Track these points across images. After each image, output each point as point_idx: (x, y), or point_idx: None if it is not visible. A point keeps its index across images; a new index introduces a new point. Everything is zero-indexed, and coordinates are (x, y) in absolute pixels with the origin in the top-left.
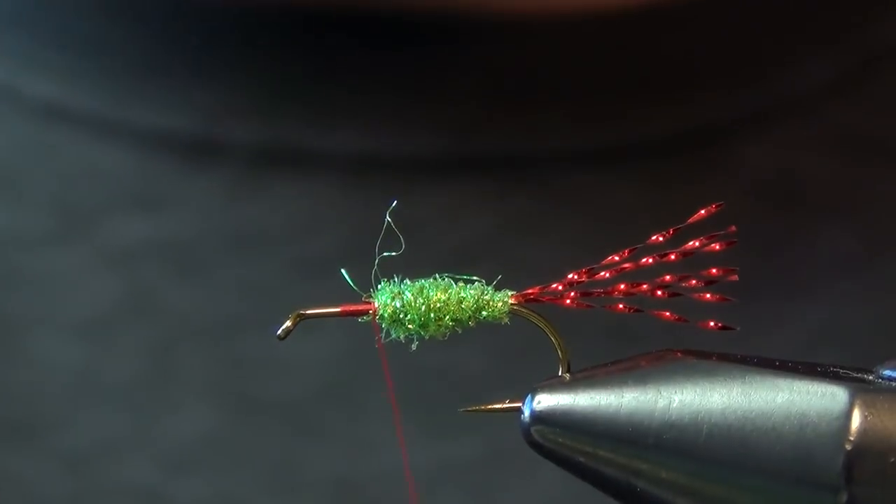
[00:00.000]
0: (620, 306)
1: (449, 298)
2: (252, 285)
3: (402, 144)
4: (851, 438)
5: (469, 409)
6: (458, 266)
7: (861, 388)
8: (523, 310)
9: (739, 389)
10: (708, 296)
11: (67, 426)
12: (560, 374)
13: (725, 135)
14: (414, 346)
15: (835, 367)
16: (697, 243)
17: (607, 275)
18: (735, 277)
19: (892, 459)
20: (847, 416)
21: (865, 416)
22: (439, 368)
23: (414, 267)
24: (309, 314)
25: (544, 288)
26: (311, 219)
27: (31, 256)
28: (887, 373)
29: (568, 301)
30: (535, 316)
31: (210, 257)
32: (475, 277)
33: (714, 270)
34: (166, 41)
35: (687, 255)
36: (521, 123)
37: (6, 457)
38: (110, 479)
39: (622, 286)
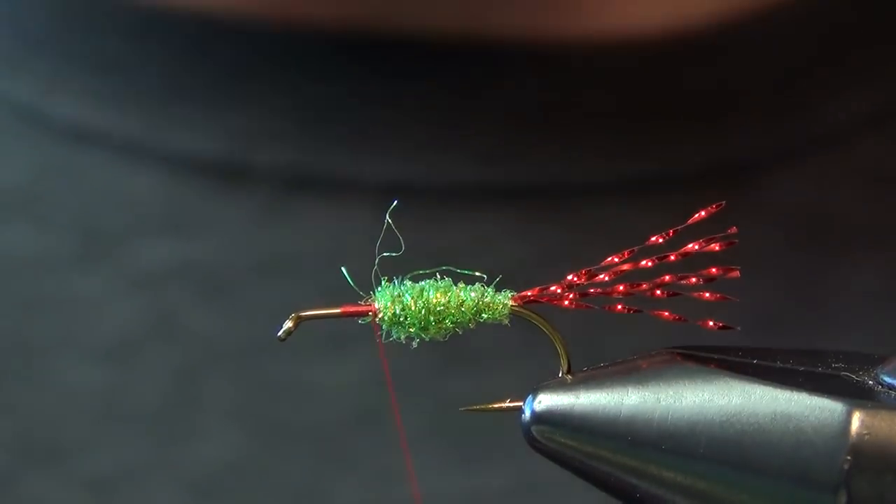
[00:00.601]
0: (620, 307)
1: (449, 301)
2: (279, 311)
3: (434, 172)
4: (849, 457)
5: (470, 408)
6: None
7: (859, 403)
8: (524, 311)
9: (738, 401)
10: (707, 295)
11: (91, 451)
12: (561, 374)
13: (757, 168)
14: (415, 345)
15: (837, 362)
16: (697, 246)
17: (606, 277)
18: (736, 274)
19: (890, 478)
20: (845, 433)
21: (863, 435)
22: (470, 396)
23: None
24: (309, 315)
25: (544, 289)
26: (340, 245)
27: (57, 279)
28: (888, 379)
29: (567, 302)
30: (536, 317)
31: (237, 283)
32: (477, 273)
33: (714, 270)
34: (196, 64)
35: (686, 255)
36: (553, 153)
37: (31, 481)
38: None
39: (621, 287)
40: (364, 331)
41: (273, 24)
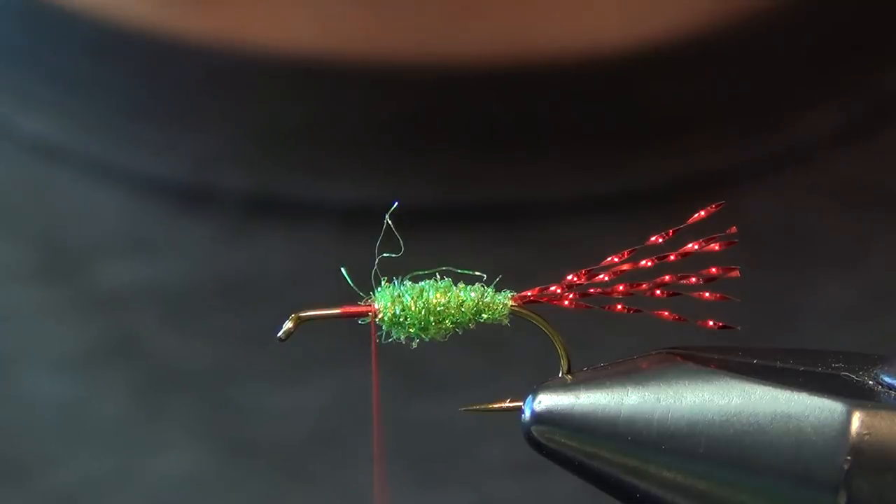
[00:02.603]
0: (620, 307)
1: (449, 302)
2: (241, 333)
3: (394, 194)
4: (849, 457)
5: (470, 408)
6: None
7: (859, 404)
8: (523, 311)
9: (738, 401)
10: (707, 294)
11: (53, 464)
12: (561, 374)
13: (726, 183)
14: (414, 345)
15: (837, 362)
16: (696, 246)
17: (606, 277)
18: (736, 273)
19: (890, 479)
20: (844, 434)
21: (863, 435)
22: (435, 422)
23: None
24: (309, 316)
25: (544, 289)
26: (302, 268)
27: (18, 291)
28: (887, 379)
29: (567, 302)
30: (536, 317)
31: (198, 304)
32: (478, 272)
33: (714, 269)
34: (160, 86)
35: (686, 255)
36: (515, 173)
37: None
38: None
39: (621, 287)
40: (328, 356)
41: (236, 46)
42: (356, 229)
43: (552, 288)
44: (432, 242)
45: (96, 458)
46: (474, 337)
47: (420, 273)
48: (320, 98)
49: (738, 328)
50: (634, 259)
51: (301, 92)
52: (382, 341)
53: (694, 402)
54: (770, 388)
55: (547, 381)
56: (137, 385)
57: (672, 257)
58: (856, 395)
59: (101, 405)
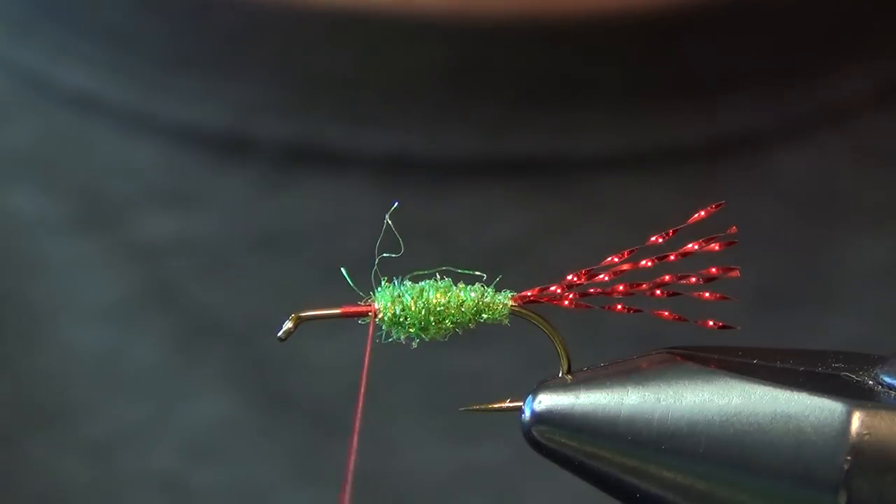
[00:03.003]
0: (620, 307)
1: (449, 302)
2: (278, 284)
3: (433, 146)
4: (849, 457)
5: (470, 408)
6: (487, 270)
7: (859, 404)
8: (524, 311)
9: (738, 401)
10: (707, 294)
11: (89, 413)
12: (561, 374)
13: (761, 143)
14: (414, 345)
15: (837, 362)
16: (696, 246)
17: (606, 277)
18: (736, 274)
19: (890, 478)
20: (845, 433)
21: (863, 435)
22: (467, 372)
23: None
24: (309, 316)
25: (544, 289)
26: (340, 219)
27: (57, 243)
28: (887, 379)
29: (567, 302)
30: (536, 317)
31: (236, 255)
32: (477, 272)
33: (714, 269)
34: (199, 36)
35: (686, 255)
36: (554, 126)
37: (29, 442)
38: (132, 466)
39: (621, 287)
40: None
41: None
42: (395, 179)
43: (552, 288)
44: (469, 194)
45: (134, 406)
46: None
47: (420, 273)
48: (361, 48)
49: (738, 328)
50: (634, 259)
51: (342, 41)
52: (382, 341)
53: (694, 402)
54: (770, 388)
55: (547, 381)
56: (175, 335)
57: (672, 257)
58: (856, 395)
59: (138, 354)
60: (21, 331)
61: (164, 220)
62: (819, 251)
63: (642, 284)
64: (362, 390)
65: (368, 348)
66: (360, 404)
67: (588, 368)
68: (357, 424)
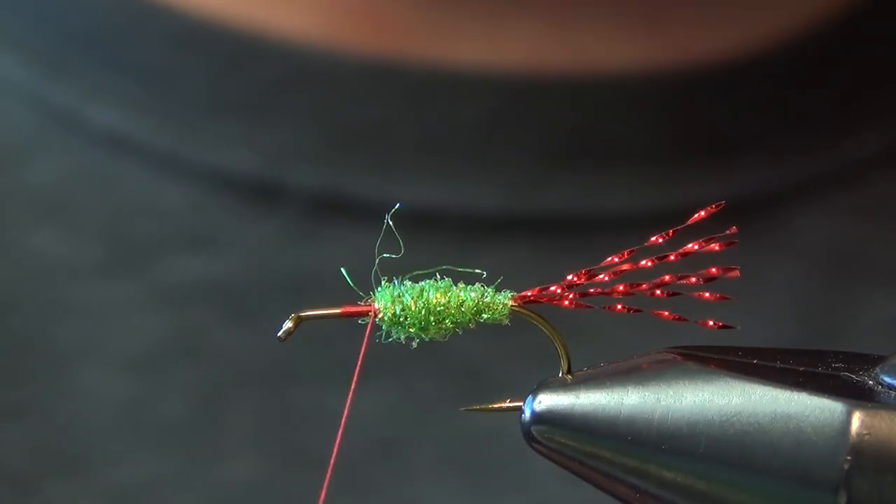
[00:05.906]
0: (620, 307)
1: (449, 301)
2: (304, 334)
3: (461, 201)
4: (849, 457)
5: (470, 407)
6: (510, 329)
7: (859, 404)
8: (524, 311)
9: (738, 401)
10: (707, 294)
11: (112, 461)
12: (561, 374)
13: (779, 202)
14: (414, 345)
15: (837, 362)
16: (696, 246)
17: (606, 277)
18: (736, 273)
19: (890, 478)
20: (845, 433)
21: (863, 435)
22: (489, 429)
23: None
24: (309, 315)
25: (544, 289)
26: (367, 269)
27: (83, 287)
28: (887, 379)
29: (567, 302)
30: (536, 317)
31: (263, 302)
32: (477, 270)
33: (714, 269)
34: (234, 80)
35: (686, 255)
36: (576, 184)
37: (51, 489)
38: None
39: (621, 287)
40: (389, 360)
41: (313, 45)
42: (421, 233)
43: (552, 288)
44: (494, 250)
45: (156, 456)
46: (532, 345)
47: (420, 273)
48: (394, 100)
49: (738, 328)
50: (634, 259)
51: (376, 93)
52: (382, 341)
53: (694, 402)
54: (770, 388)
55: (547, 381)
56: (199, 385)
57: (672, 257)
58: (856, 395)
59: (163, 404)
60: (44, 376)
61: (192, 264)
62: (834, 309)
63: (642, 284)
64: (353, 386)
65: (364, 347)
66: (350, 398)
67: (588, 368)
68: (344, 419)
